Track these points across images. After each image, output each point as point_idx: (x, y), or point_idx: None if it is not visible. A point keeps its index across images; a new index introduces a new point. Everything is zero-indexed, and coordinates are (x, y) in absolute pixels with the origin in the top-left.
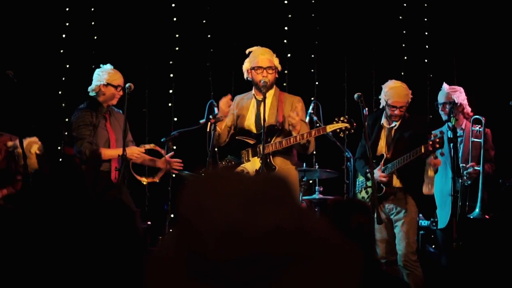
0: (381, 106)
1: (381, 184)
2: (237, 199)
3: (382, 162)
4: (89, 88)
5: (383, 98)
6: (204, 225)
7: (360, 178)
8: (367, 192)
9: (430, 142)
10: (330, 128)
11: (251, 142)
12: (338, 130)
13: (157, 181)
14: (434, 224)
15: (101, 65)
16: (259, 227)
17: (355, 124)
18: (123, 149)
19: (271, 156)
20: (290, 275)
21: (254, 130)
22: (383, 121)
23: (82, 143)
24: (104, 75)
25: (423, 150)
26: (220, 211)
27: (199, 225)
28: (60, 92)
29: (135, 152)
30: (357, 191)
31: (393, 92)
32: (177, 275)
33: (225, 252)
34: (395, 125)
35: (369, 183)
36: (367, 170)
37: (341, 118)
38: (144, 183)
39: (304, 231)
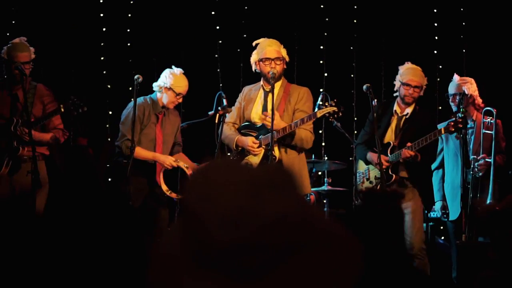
0: (395, 89)
1: (390, 172)
2: (242, 187)
3: (389, 149)
4: (154, 84)
5: (398, 80)
6: (208, 213)
7: (361, 169)
8: (371, 183)
9: (452, 123)
10: (319, 113)
11: (254, 134)
12: (327, 115)
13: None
14: (445, 216)
15: (173, 66)
16: (263, 215)
17: (342, 107)
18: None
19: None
20: (292, 264)
21: (259, 121)
22: (395, 107)
23: (122, 139)
24: (170, 78)
25: (443, 132)
26: (224, 199)
27: (203, 213)
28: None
29: (167, 162)
30: (359, 182)
31: (409, 71)
32: (181, 264)
33: (228, 240)
34: (407, 113)
35: (372, 174)
36: (372, 158)
37: (330, 102)
38: (166, 192)
39: (307, 221)
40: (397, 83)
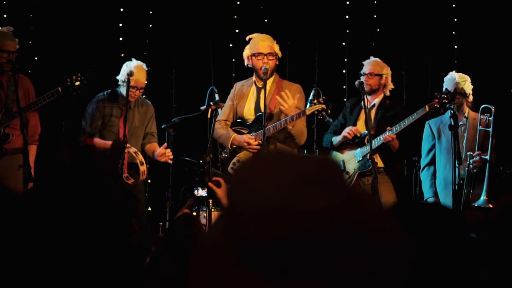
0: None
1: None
2: (284, 180)
3: (366, 139)
4: (118, 77)
5: (362, 76)
6: (248, 206)
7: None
8: (347, 174)
9: (436, 100)
10: (309, 110)
11: (245, 131)
12: (316, 112)
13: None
14: None
15: (132, 59)
16: (306, 210)
17: (331, 105)
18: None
19: (265, 143)
20: (336, 263)
21: (252, 117)
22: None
23: (81, 133)
24: (125, 70)
25: (427, 109)
26: (265, 191)
27: (243, 206)
28: None
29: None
30: None
31: (366, 64)
32: (222, 261)
33: (268, 235)
34: (374, 104)
35: (350, 166)
36: (339, 139)
37: (319, 100)
38: (130, 182)
39: (356, 218)
40: (361, 79)
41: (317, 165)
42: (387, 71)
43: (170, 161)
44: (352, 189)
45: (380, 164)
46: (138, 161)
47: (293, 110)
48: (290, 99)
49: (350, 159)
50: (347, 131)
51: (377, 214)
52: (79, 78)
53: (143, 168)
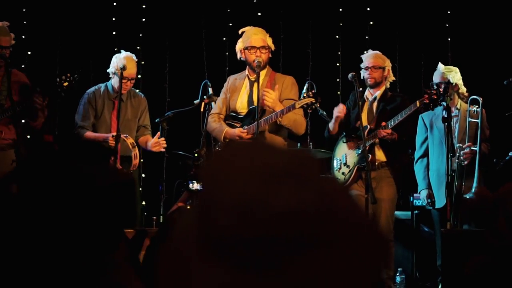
0: (361, 78)
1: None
2: (257, 174)
3: (366, 132)
4: (108, 70)
5: (362, 69)
6: (220, 198)
7: (338, 156)
8: (347, 167)
9: (426, 96)
10: (298, 104)
11: (238, 125)
12: (305, 106)
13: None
14: (430, 204)
15: (121, 51)
16: (276, 206)
17: (320, 99)
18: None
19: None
20: (307, 260)
21: (245, 110)
22: (366, 93)
23: (75, 127)
24: (114, 62)
25: (418, 104)
26: (237, 185)
27: (215, 197)
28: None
29: (110, 137)
30: (336, 169)
31: (365, 57)
32: (193, 254)
33: (240, 230)
34: (376, 96)
35: (350, 159)
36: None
37: (309, 94)
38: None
39: (330, 211)
40: (362, 72)
41: (291, 159)
42: (388, 63)
43: (164, 149)
44: (326, 184)
45: (382, 158)
46: (132, 154)
47: (276, 104)
48: (271, 93)
49: (352, 153)
50: (336, 110)
51: (350, 210)
52: (68, 79)
53: (136, 161)
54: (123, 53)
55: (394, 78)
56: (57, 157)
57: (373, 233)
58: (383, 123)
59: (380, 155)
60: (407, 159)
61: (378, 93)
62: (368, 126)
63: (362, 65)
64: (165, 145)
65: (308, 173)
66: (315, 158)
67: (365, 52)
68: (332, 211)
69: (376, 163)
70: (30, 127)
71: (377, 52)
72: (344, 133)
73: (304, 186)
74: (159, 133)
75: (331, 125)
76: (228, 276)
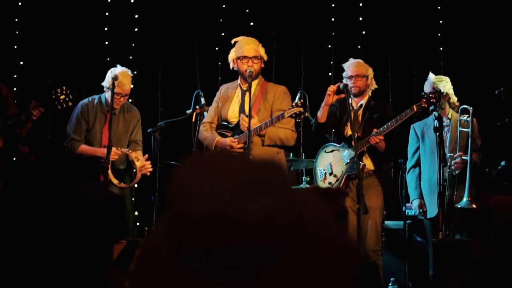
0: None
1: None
2: (225, 184)
3: (353, 141)
4: (103, 83)
5: (345, 79)
6: (190, 210)
7: (321, 166)
8: (334, 177)
9: (424, 99)
10: (287, 113)
11: (229, 134)
12: (294, 115)
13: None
14: (422, 213)
15: (117, 65)
16: (246, 215)
17: (308, 108)
18: (108, 145)
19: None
20: (278, 269)
21: (236, 120)
22: (351, 102)
23: (67, 139)
24: (109, 77)
25: (415, 109)
26: (206, 196)
27: (185, 210)
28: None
29: (113, 152)
30: (320, 179)
31: (348, 65)
32: (164, 264)
33: (210, 240)
34: (361, 104)
35: (337, 169)
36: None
37: (298, 103)
38: (118, 184)
39: (298, 223)
40: (345, 81)
41: (261, 170)
42: (371, 72)
43: (148, 174)
44: (297, 194)
45: (370, 166)
46: (133, 158)
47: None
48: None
49: (338, 162)
50: (327, 93)
51: (320, 219)
52: (65, 92)
53: (139, 163)
54: (119, 68)
55: (376, 86)
56: (39, 175)
57: (342, 244)
58: (375, 130)
59: (368, 164)
60: (390, 166)
61: (363, 101)
62: (356, 134)
63: (344, 74)
64: (151, 169)
65: (279, 184)
66: (286, 170)
67: (348, 60)
68: (301, 222)
69: (364, 172)
70: (15, 135)
71: (359, 60)
72: (325, 144)
73: (274, 197)
74: (147, 155)
75: (319, 112)
76: (199, 286)
